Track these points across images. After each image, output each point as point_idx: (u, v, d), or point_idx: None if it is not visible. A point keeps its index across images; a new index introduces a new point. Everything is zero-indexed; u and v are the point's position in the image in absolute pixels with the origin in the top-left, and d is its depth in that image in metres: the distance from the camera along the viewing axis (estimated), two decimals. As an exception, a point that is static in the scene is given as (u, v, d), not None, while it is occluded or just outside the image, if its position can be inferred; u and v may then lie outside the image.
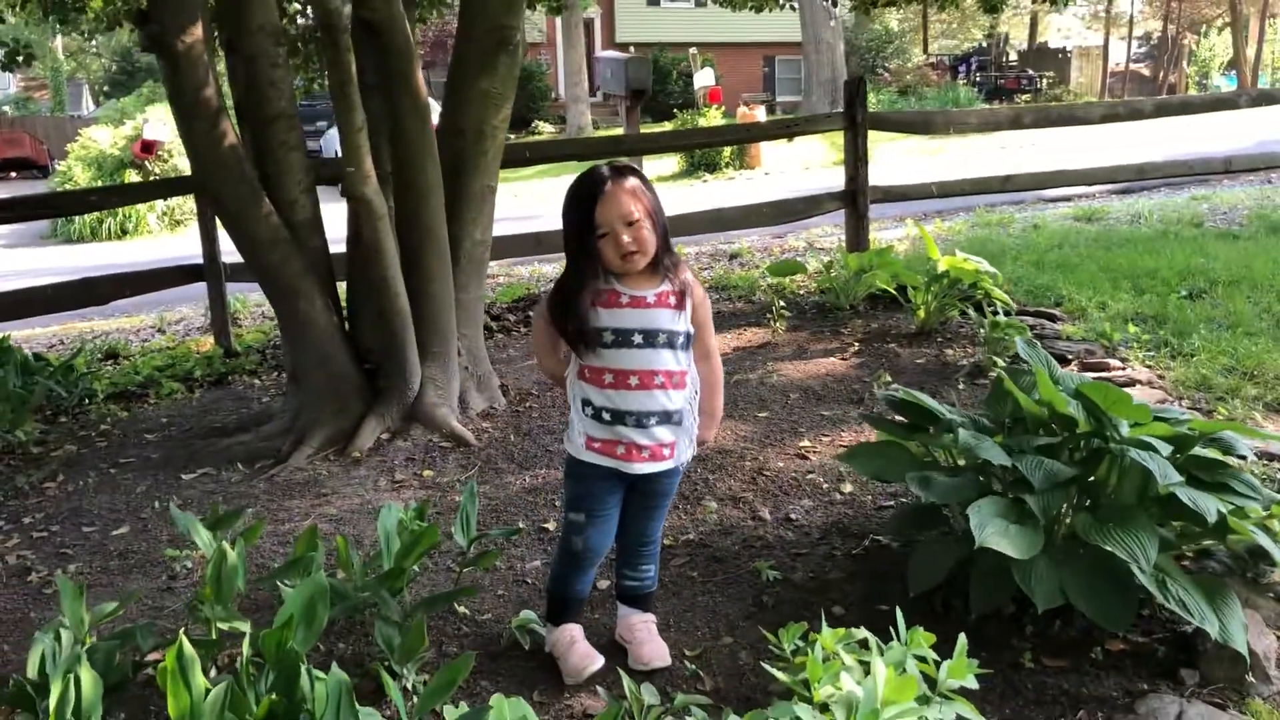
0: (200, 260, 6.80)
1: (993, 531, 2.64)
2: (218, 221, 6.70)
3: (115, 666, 2.56)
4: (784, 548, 3.53)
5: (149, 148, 17.28)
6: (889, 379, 5.10)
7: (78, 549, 3.95)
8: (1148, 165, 8.30)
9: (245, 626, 2.64)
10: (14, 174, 28.53)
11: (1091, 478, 2.87)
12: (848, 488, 3.97)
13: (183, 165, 16.07)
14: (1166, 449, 2.75)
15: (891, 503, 3.81)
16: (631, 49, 26.53)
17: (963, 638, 2.32)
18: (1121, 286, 6.47)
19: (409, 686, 2.64)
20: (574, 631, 2.87)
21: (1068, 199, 11.29)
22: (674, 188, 16.78)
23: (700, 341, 2.79)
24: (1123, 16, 42.02)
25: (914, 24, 39.22)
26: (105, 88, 45.59)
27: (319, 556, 2.94)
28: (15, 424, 5.17)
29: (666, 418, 2.71)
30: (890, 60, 37.54)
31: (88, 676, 2.29)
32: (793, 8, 9.17)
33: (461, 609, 3.19)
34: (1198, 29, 41.19)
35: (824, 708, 2.04)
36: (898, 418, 3.40)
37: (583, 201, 2.62)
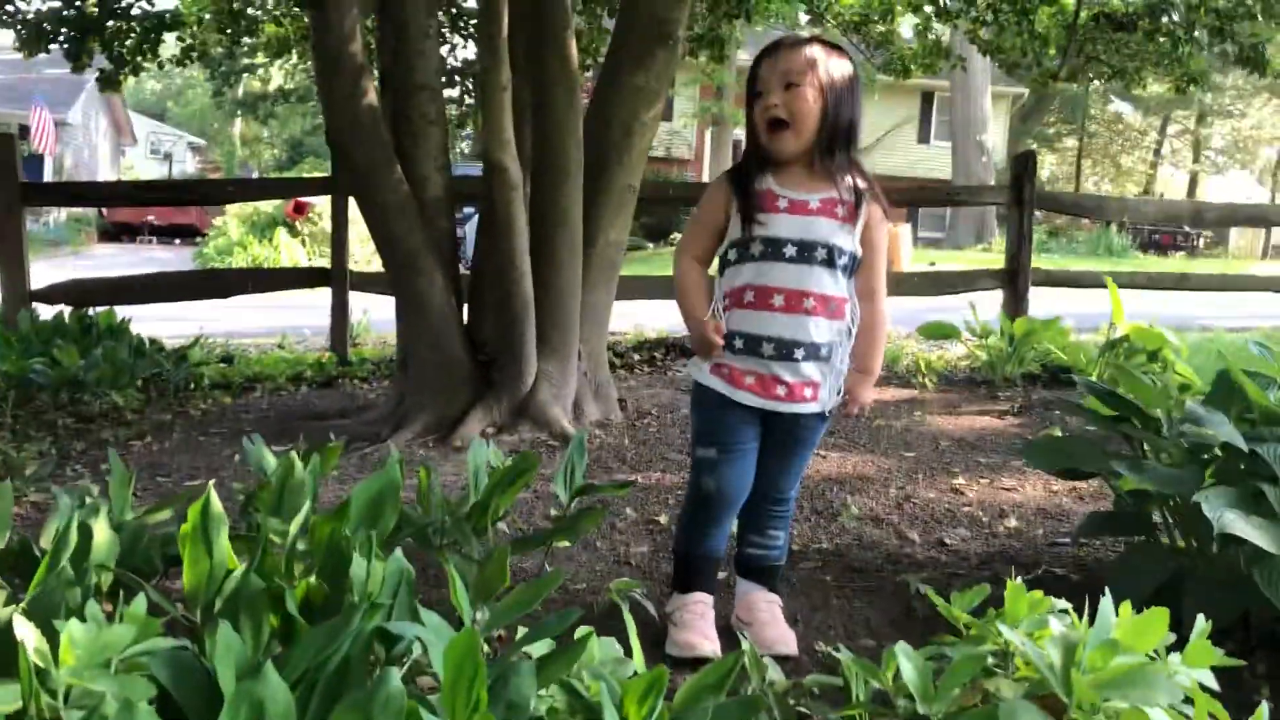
0: (328, 265, 6.63)
1: (1234, 518, 2.07)
2: (349, 228, 6.59)
3: (142, 548, 2.15)
4: (937, 568, 2.96)
5: (300, 208, 17.78)
6: (1059, 432, 4.49)
7: (147, 495, 3.62)
8: (1345, 279, 7.54)
9: (302, 544, 2.22)
10: (179, 240, 29.94)
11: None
12: (1012, 522, 3.39)
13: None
14: None
15: (1067, 540, 3.21)
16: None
17: (1201, 618, 1.74)
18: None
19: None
20: (706, 602, 2.35)
21: (1246, 328, 10.43)
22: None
23: (867, 271, 2.27)
24: (1289, 183, 40.57)
25: (1068, 171, 38.61)
26: (274, 171, 48.09)
27: (395, 474, 2.48)
28: (115, 385, 4.95)
29: (814, 350, 2.21)
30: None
31: (103, 533, 1.89)
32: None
33: (552, 570, 2.71)
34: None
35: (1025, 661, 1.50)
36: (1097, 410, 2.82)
37: (759, 58, 2.23)
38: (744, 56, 23.31)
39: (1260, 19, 7.16)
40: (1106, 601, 1.46)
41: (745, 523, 2.42)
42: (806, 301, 2.19)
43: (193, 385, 5.64)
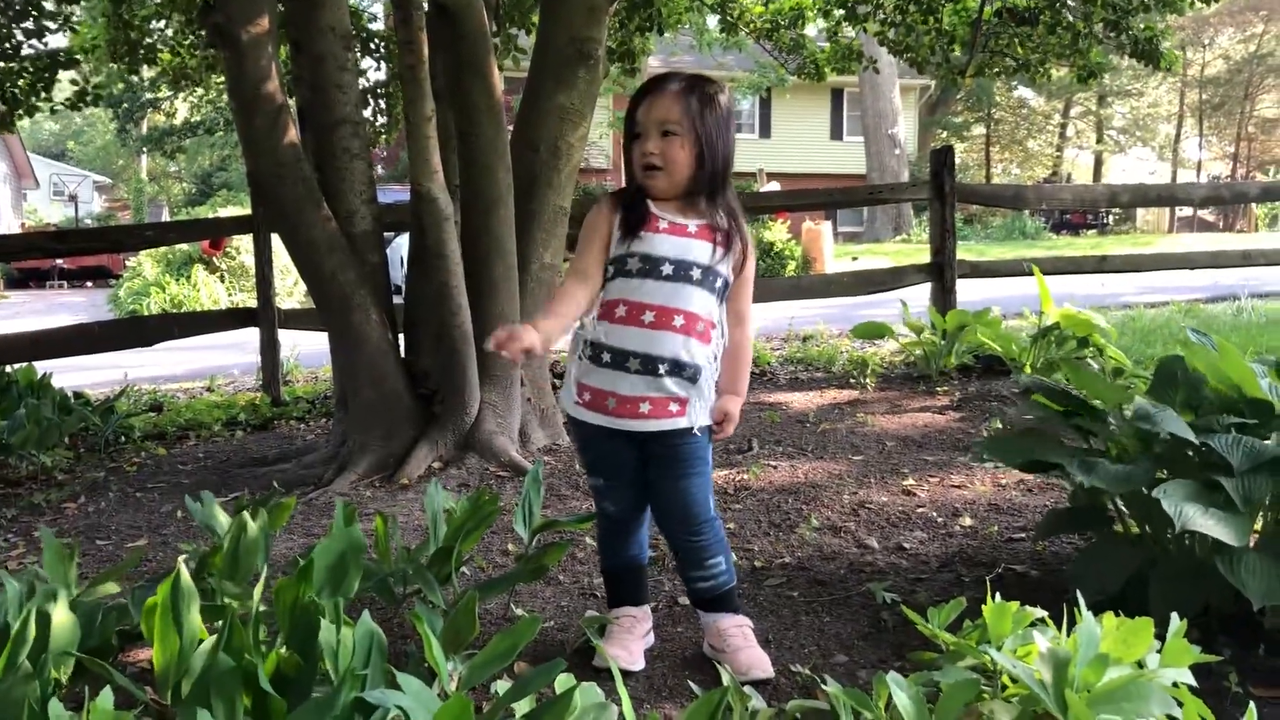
0: (254, 304, 6.49)
1: (1194, 513, 2.10)
2: (273, 265, 6.46)
3: (97, 628, 2.07)
4: (899, 574, 2.98)
5: (217, 244, 17.37)
6: (1000, 426, 4.56)
7: (88, 559, 3.50)
8: (1253, 252, 7.79)
9: (262, 607, 2.15)
10: (90, 283, 29.12)
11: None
12: (967, 520, 3.43)
13: (249, 262, 16.13)
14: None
15: (1023, 535, 3.25)
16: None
17: (1176, 617, 1.77)
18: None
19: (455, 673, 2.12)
20: (634, 615, 2.42)
21: (1162, 304, 10.73)
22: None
23: (737, 299, 2.32)
24: (1189, 159, 41.93)
25: (978, 158, 39.42)
26: (185, 207, 47.02)
27: (357, 533, 2.44)
28: (42, 446, 4.79)
29: (678, 368, 2.22)
30: (954, 193, 37.51)
31: (62, 618, 1.81)
32: (880, 68, 8.91)
33: (519, 610, 2.67)
34: (1266, 170, 40.81)
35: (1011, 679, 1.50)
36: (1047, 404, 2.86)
37: (636, 97, 2.27)
38: (654, 64, 23.39)
39: (1153, 11, 7.37)
40: (1089, 616, 1.46)
41: (680, 560, 2.41)
42: (676, 319, 2.22)
43: (123, 438, 5.47)
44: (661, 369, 2.21)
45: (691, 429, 2.27)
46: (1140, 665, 1.46)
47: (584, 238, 2.32)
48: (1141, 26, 7.49)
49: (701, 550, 2.35)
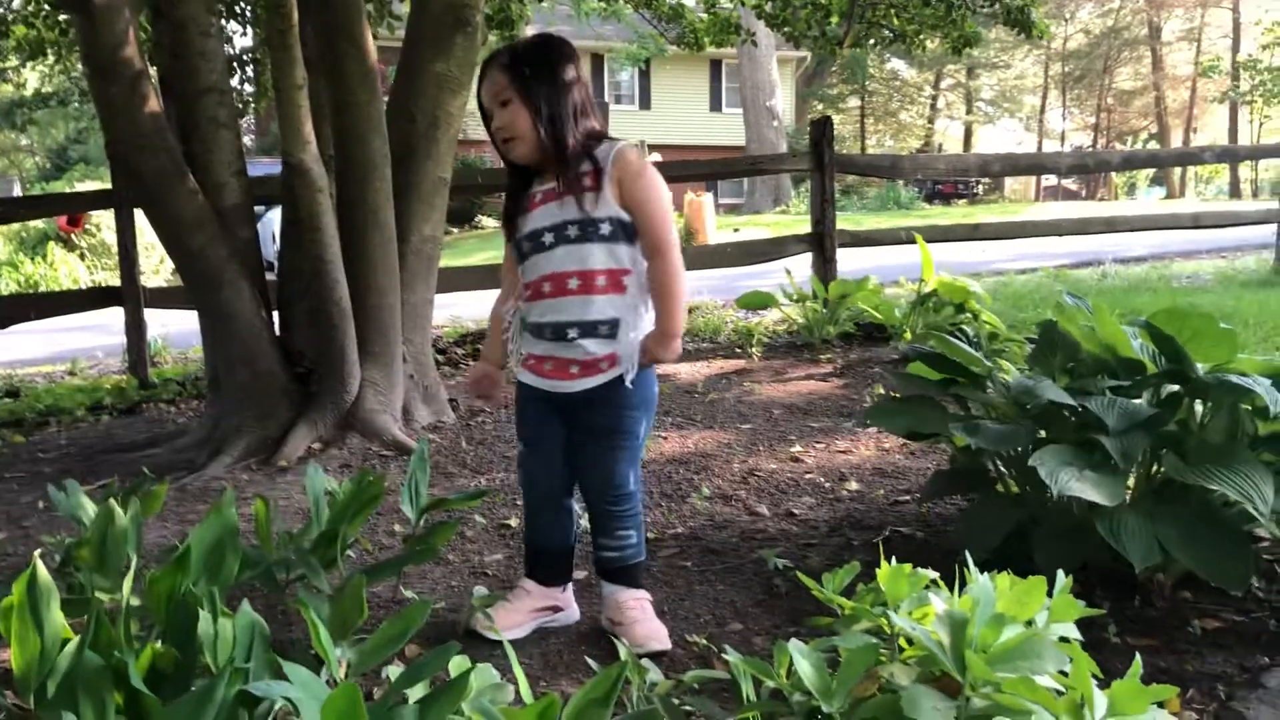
0: (117, 284, 6.19)
1: (1069, 478, 2.15)
2: (137, 242, 6.17)
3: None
4: (790, 539, 3.00)
5: (75, 220, 16.56)
6: (882, 392, 4.64)
7: (-59, 556, 3.28)
8: (1117, 218, 8.09)
9: (134, 600, 2.03)
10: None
11: (1172, 420, 2.40)
12: (853, 485, 3.47)
13: (111, 239, 15.40)
14: (1265, 382, 2.30)
15: (907, 497, 3.31)
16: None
17: (1062, 574, 1.80)
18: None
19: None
20: (527, 586, 2.41)
21: (1032, 270, 11.11)
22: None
23: (645, 231, 2.20)
24: (1054, 130, 43.47)
25: (853, 130, 40.16)
26: (40, 182, 44.69)
27: (233, 517, 2.33)
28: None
29: (591, 328, 2.21)
30: (830, 165, 38.14)
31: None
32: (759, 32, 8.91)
33: (408, 593, 2.60)
34: (1125, 140, 42.60)
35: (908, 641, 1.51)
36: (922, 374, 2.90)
37: (479, 85, 2.30)
38: (532, 33, 23.14)
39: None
40: (983, 577, 1.48)
41: (594, 527, 2.38)
42: (570, 282, 2.21)
43: (-24, 427, 5.17)
44: (571, 334, 2.22)
45: (621, 381, 2.23)
46: (1030, 623, 1.48)
47: (503, 272, 2.45)
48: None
49: (616, 520, 2.33)
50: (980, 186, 33.90)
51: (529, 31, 18.70)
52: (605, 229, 2.19)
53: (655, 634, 2.29)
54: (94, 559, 2.21)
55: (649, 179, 2.21)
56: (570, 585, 2.49)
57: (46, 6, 7.55)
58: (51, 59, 8.59)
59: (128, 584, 1.88)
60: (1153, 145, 40.06)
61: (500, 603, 2.39)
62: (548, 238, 2.22)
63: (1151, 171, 40.80)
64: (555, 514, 2.41)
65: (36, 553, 1.73)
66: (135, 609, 1.94)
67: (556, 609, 2.44)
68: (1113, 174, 37.97)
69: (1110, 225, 8.11)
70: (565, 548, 2.44)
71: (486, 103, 2.25)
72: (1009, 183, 38.37)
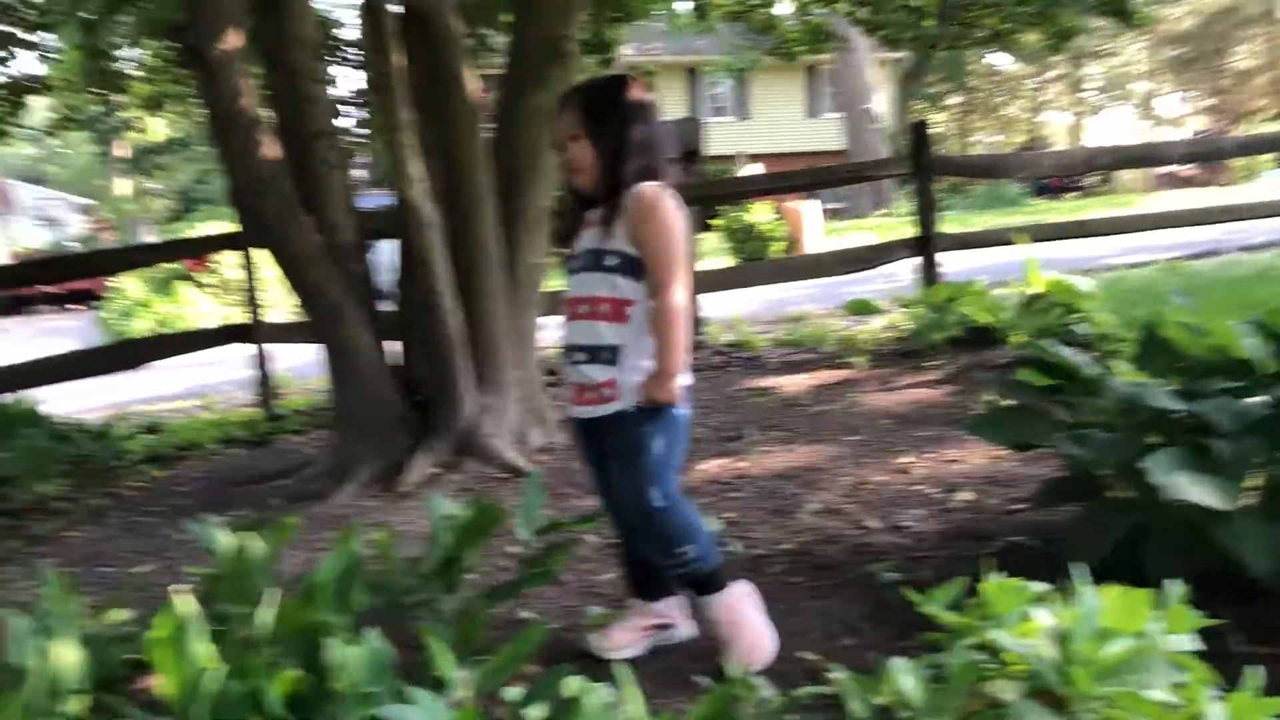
0: (242, 320, 6.49)
1: (1181, 482, 2.12)
2: (261, 280, 6.45)
3: (107, 659, 2.08)
4: (901, 553, 3.00)
5: (200, 259, 17.32)
6: (991, 398, 4.58)
7: (93, 587, 3.49)
8: (1235, 206, 7.81)
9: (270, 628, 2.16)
10: (76, 306, 28.96)
11: (1291, 421, 2.34)
12: (965, 495, 3.45)
13: (231, 276, 16.07)
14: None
15: (1021, 505, 3.27)
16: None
17: (1180, 583, 1.79)
18: (1232, 315, 5.92)
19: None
20: (633, 605, 2.52)
21: (1146, 263, 10.77)
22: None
23: (649, 270, 2.29)
24: (1167, 115, 41.98)
25: (956, 127, 39.43)
26: (167, 224, 46.71)
27: (359, 548, 2.45)
28: (40, 476, 4.79)
29: (595, 353, 2.32)
30: (934, 163, 37.48)
31: (71, 654, 1.82)
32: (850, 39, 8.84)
33: (525, 614, 2.69)
34: (1244, 121, 40.87)
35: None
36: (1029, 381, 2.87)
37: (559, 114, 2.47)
38: (628, 53, 23.33)
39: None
40: (1088, 589, 1.49)
41: (643, 548, 2.46)
42: (581, 307, 2.36)
43: (121, 463, 5.47)
44: (579, 356, 2.36)
45: (626, 411, 2.32)
46: (1140, 635, 1.48)
47: None
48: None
49: (657, 538, 2.36)
50: (1091, 179, 32.93)
51: (625, 53, 18.91)
52: (610, 261, 2.32)
53: (755, 648, 2.32)
54: (231, 590, 2.34)
55: (658, 221, 2.28)
56: (679, 600, 2.54)
57: (165, 63, 7.96)
58: (171, 111, 9.05)
59: (264, 613, 2.00)
60: (1274, 126, 38.36)
61: (612, 623, 2.46)
62: (575, 262, 2.40)
63: (1274, 154, 39.06)
64: (624, 533, 2.51)
65: (177, 587, 1.86)
66: (270, 637, 2.06)
67: (667, 625, 2.50)
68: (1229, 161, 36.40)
69: (1229, 214, 7.83)
70: (649, 562, 2.50)
71: (560, 136, 2.41)
72: (1121, 175, 37.15)
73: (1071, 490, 2.63)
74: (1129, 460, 2.42)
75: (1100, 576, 2.22)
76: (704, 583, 2.39)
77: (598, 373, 2.32)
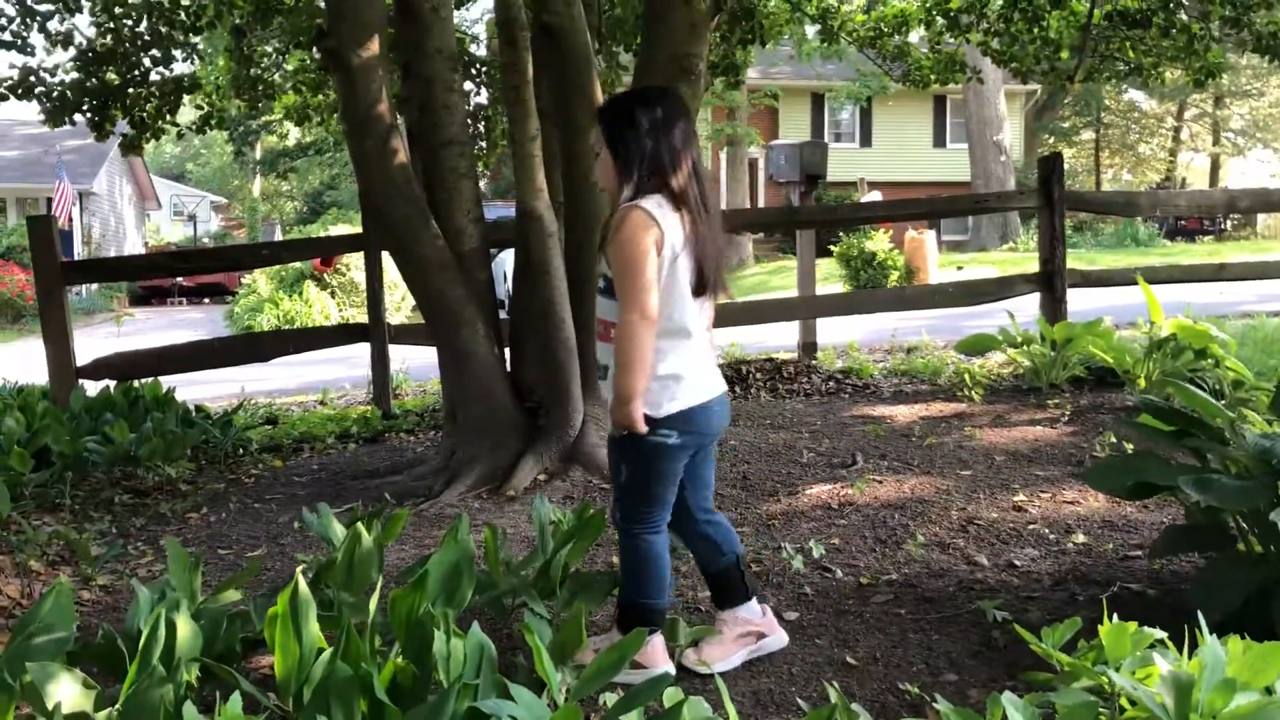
0: (364, 320, 6.67)
1: (1318, 534, 2.02)
2: (384, 282, 6.63)
3: (222, 634, 2.16)
4: (1010, 591, 2.93)
5: (327, 261, 17.88)
6: (1113, 441, 4.44)
7: (210, 568, 3.63)
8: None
9: (378, 617, 2.21)
10: (208, 299, 30.21)
11: None
12: (1080, 538, 3.35)
13: (358, 278, 16.57)
14: None
15: (1138, 553, 3.16)
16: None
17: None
18: (1376, 369, 5.64)
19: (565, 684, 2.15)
20: (722, 616, 2.55)
21: (1283, 310, 10.30)
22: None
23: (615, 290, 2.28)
24: (1314, 160, 40.11)
25: (1086, 164, 38.38)
26: (297, 225, 48.38)
27: (470, 546, 2.49)
28: (167, 458, 4.99)
29: (605, 372, 2.39)
30: (1062, 200, 36.48)
31: (185, 626, 1.89)
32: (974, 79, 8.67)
33: (625, 624, 2.69)
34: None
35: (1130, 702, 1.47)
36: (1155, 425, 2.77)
37: None
38: (753, 75, 23.32)
39: (1275, 6, 7.09)
40: (1213, 639, 1.43)
41: None
42: (599, 327, 2.42)
43: (242, 451, 5.67)
44: (598, 374, 2.43)
45: (610, 434, 2.42)
46: (1269, 691, 1.41)
47: None
48: (1265, 21, 7.22)
49: (621, 556, 2.42)
50: (1229, 223, 31.63)
51: (750, 76, 18.82)
52: (602, 283, 2.37)
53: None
54: (343, 578, 2.41)
55: (619, 241, 2.23)
56: (768, 609, 2.54)
57: (311, 70, 8.25)
58: (315, 121, 9.36)
59: (373, 602, 2.05)
60: None
61: (708, 637, 2.46)
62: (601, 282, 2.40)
63: None
64: (693, 541, 2.52)
65: (299, 569, 1.91)
66: (378, 625, 2.11)
67: (761, 635, 2.49)
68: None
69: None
70: (718, 569, 2.52)
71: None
72: (1261, 218, 35.55)
73: (1195, 539, 2.53)
74: (1259, 509, 2.32)
75: (1224, 631, 2.14)
76: (632, 619, 2.33)
77: (604, 389, 2.41)
